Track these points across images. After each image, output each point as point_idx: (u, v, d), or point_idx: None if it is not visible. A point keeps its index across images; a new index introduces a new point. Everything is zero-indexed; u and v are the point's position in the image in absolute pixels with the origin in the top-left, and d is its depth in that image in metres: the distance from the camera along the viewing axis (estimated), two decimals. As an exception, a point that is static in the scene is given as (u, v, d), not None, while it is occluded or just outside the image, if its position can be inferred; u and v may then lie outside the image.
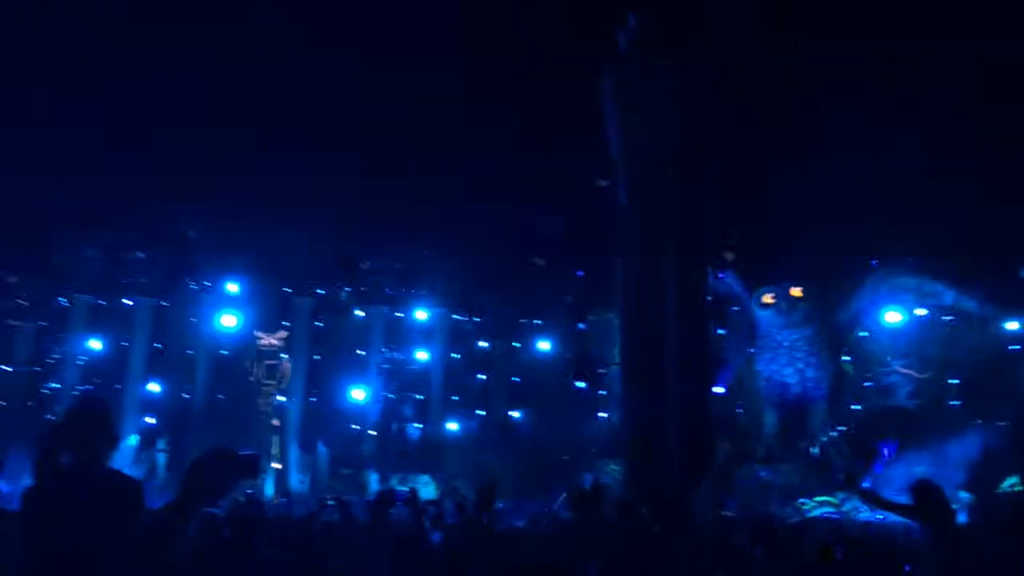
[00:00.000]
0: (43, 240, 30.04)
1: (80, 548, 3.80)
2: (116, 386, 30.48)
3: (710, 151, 19.55)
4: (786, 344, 24.75)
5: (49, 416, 29.44)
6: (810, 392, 24.93)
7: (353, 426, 30.66)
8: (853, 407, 26.25)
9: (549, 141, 25.31)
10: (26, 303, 31.54)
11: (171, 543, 3.86)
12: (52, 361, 31.72)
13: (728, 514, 17.80)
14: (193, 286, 30.86)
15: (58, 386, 30.75)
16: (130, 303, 31.06)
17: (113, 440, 4.25)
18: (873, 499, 7.67)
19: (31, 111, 25.56)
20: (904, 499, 6.82)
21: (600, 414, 28.58)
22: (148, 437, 30.07)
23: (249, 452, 3.88)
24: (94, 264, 30.56)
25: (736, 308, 25.65)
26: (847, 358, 25.95)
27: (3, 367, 31.22)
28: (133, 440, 28.63)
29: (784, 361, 24.82)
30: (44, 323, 31.85)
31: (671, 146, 17.97)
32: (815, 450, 24.57)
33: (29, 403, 30.28)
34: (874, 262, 25.74)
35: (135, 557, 3.78)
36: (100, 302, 30.80)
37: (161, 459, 29.87)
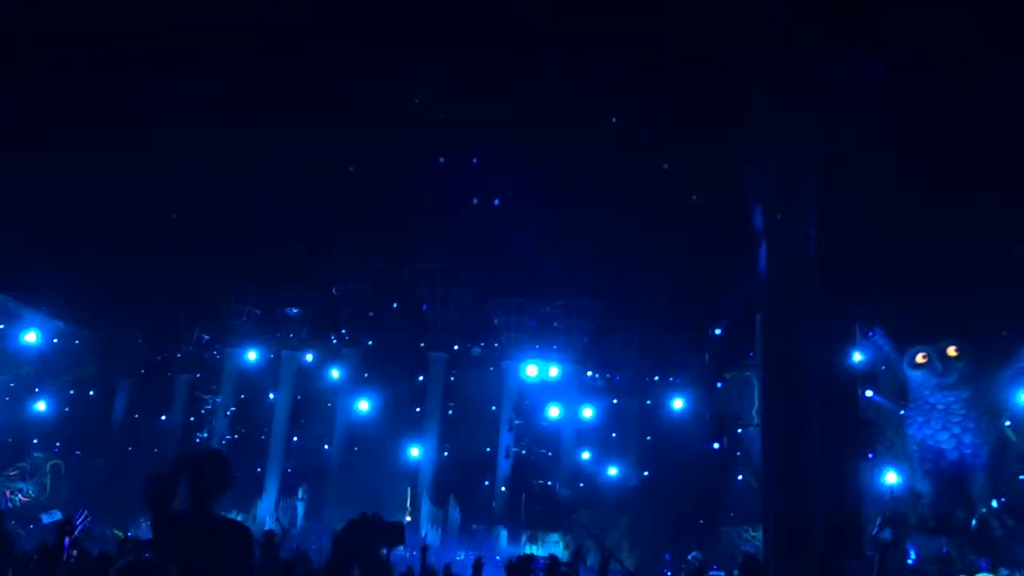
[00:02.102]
0: (201, 295, 31.91)
1: None
2: (261, 436, 31.87)
3: (852, 205, 18.87)
4: (940, 407, 23.29)
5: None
6: (968, 459, 23.27)
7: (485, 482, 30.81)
8: (1018, 477, 24.26)
9: (688, 194, 25.04)
10: (180, 355, 33.57)
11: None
12: (204, 412, 33.49)
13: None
14: (334, 341, 32.11)
15: (206, 435, 32.36)
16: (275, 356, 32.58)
17: (223, 489, 4.47)
18: None
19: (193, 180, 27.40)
20: None
21: (738, 476, 27.54)
22: (289, 486, 31.15)
23: (394, 520, 4.00)
24: (248, 319, 32.31)
25: (884, 368, 24.35)
26: (1008, 423, 24.08)
27: (160, 417, 33.18)
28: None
29: (938, 425, 23.33)
30: (199, 374, 33.75)
31: (812, 202, 17.44)
32: (974, 522, 22.87)
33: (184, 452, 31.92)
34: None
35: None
36: (250, 355, 32.36)
37: (300, 508, 30.79)
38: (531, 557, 9.36)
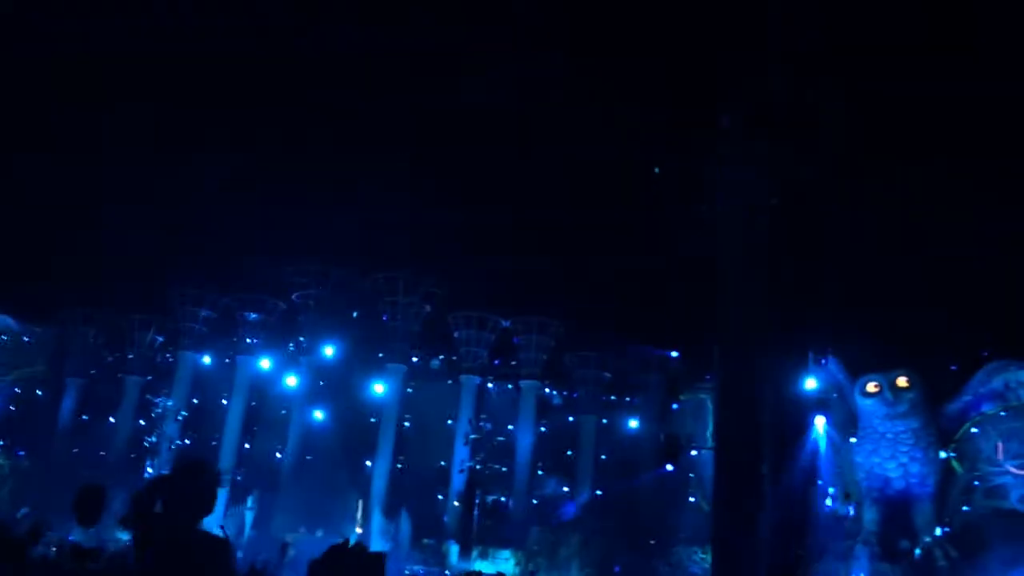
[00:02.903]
0: (156, 296, 31.43)
1: None
2: (212, 442, 31.36)
3: (812, 234, 19.17)
4: (889, 436, 23.65)
5: (148, 468, 30.41)
6: (914, 488, 23.64)
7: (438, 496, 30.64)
8: (961, 507, 24.69)
9: (649, 212, 25.24)
10: (132, 356, 32.96)
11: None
12: (155, 415, 32.85)
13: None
14: (292, 348, 31.78)
15: (154, 439, 31.76)
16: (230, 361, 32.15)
17: (209, 504, 4.39)
18: None
19: (156, 175, 27.05)
20: None
21: (690, 498, 27.67)
22: (238, 494, 30.64)
23: (376, 551, 3.97)
24: (204, 323, 31.85)
25: (836, 395, 24.66)
26: (953, 454, 24.53)
27: (109, 418, 32.48)
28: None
29: (887, 454, 23.69)
30: (150, 377, 33.12)
31: (771, 229, 17.70)
32: (918, 551, 23.22)
33: (132, 455, 31.31)
34: (985, 352, 24.51)
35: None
36: (204, 359, 31.91)
37: (249, 517, 30.29)
38: (478, 574, 9.31)
